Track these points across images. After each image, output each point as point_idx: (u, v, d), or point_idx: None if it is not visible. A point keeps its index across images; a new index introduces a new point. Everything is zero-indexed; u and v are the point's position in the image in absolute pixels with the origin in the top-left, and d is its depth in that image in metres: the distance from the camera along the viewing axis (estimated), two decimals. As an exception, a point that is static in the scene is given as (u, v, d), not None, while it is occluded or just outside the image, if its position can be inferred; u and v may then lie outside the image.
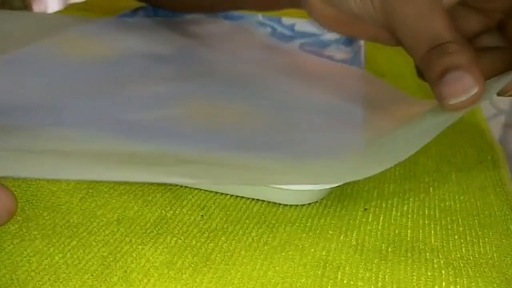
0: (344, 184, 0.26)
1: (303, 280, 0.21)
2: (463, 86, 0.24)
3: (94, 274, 0.21)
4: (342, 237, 0.24)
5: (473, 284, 0.22)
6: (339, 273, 0.22)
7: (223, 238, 0.23)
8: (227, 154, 0.27)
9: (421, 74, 0.31)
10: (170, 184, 0.27)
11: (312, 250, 0.23)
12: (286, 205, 0.26)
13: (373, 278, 0.22)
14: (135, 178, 0.25)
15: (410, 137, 0.27)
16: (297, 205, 0.26)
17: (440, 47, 0.26)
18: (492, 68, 0.28)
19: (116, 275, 0.21)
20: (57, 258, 0.21)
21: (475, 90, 0.24)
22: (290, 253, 0.23)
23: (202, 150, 0.27)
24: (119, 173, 0.24)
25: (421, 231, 0.25)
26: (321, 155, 0.27)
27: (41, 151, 0.25)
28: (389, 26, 0.28)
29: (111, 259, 0.21)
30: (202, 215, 0.25)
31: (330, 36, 0.53)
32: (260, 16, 0.55)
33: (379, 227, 0.25)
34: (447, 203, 0.27)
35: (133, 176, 0.24)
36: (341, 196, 0.27)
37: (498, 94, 0.27)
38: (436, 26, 0.26)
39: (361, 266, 0.22)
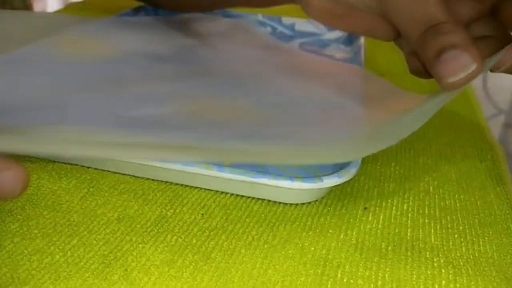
0: (344, 183, 0.26)
1: (303, 278, 0.21)
2: (461, 64, 0.24)
3: (94, 272, 0.21)
4: (342, 236, 0.24)
5: (472, 283, 0.22)
6: (339, 272, 0.22)
7: (223, 237, 0.23)
8: (229, 142, 0.27)
9: (414, 70, 0.31)
10: (171, 183, 0.27)
11: (312, 248, 0.23)
12: (286, 204, 0.26)
13: (373, 276, 0.22)
14: (138, 154, 0.25)
15: (411, 119, 0.27)
16: (297, 204, 0.26)
17: (435, 27, 0.26)
18: (486, 57, 0.28)
19: (116, 274, 0.21)
20: (57, 256, 0.21)
21: (473, 67, 0.24)
22: (290, 251, 0.23)
23: (203, 139, 0.27)
24: (122, 151, 0.24)
25: (421, 230, 0.25)
26: (322, 143, 0.27)
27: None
28: (384, 12, 0.28)
29: (112, 257, 0.21)
30: (202, 214, 0.25)
31: (330, 35, 0.53)
32: (260, 16, 0.55)
33: (379, 226, 0.25)
34: (447, 202, 0.27)
35: (136, 153, 0.24)
36: (341, 195, 0.27)
37: (491, 71, 0.27)
38: (429, 7, 0.26)
39: (361, 265, 0.22)
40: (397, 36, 0.31)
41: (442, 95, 0.26)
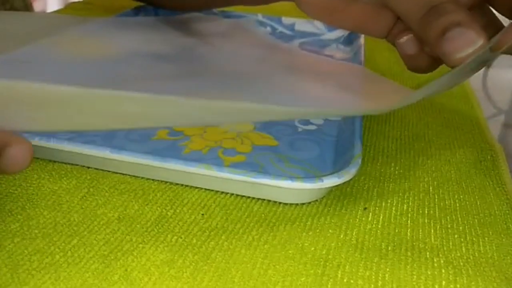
0: (343, 184, 0.26)
1: (303, 278, 0.21)
2: (468, 40, 0.25)
3: (95, 272, 0.21)
4: (342, 236, 0.24)
5: (473, 283, 0.22)
6: (339, 272, 0.22)
7: (223, 237, 0.23)
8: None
9: (411, 67, 0.32)
10: (171, 183, 0.27)
11: (312, 249, 0.23)
12: (286, 204, 0.26)
13: (373, 277, 0.22)
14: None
15: (419, 94, 0.27)
16: (297, 204, 0.26)
17: (436, 8, 0.26)
18: None
19: (116, 274, 0.21)
20: (57, 256, 0.21)
21: (480, 42, 0.24)
22: (290, 252, 0.23)
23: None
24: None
25: (420, 230, 0.25)
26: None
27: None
28: None
29: (112, 257, 0.21)
30: (202, 214, 0.25)
31: (330, 35, 0.53)
32: (260, 16, 0.55)
33: (379, 226, 0.25)
34: (446, 202, 0.27)
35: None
36: (341, 195, 0.27)
37: (493, 50, 0.27)
38: None
39: (361, 265, 0.22)
40: (391, 31, 0.31)
41: (453, 72, 0.26)
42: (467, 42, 0.25)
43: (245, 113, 0.26)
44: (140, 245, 0.22)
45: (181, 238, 0.23)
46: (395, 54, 0.35)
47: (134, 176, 0.27)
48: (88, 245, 0.22)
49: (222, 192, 0.27)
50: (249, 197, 0.26)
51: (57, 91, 0.24)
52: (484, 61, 0.30)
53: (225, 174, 0.25)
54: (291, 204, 0.26)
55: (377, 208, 0.26)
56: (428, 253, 0.23)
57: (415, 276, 0.22)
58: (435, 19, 0.26)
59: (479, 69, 0.31)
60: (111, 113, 0.26)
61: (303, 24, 0.55)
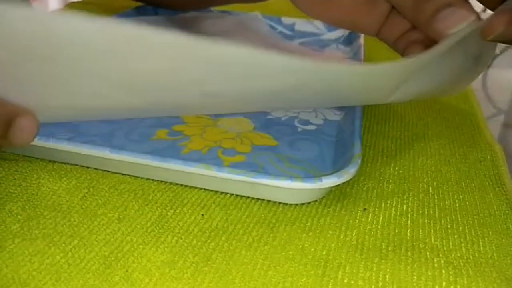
0: (343, 184, 0.26)
1: (304, 279, 0.21)
2: (459, 17, 0.25)
3: (95, 273, 0.21)
4: (342, 237, 0.24)
5: (473, 283, 0.22)
6: (340, 273, 0.22)
7: (223, 238, 0.23)
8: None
9: None
10: (171, 183, 0.27)
11: (313, 249, 0.23)
12: (286, 204, 0.26)
13: (374, 277, 0.22)
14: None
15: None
16: (297, 204, 0.26)
17: None
18: None
19: (117, 275, 0.21)
20: (58, 257, 0.21)
21: (473, 17, 0.25)
22: (290, 252, 0.23)
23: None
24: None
25: (420, 231, 0.25)
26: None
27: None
28: None
29: (112, 258, 0.21)
30: (202, 214, 0.25)
31: (330, 35, 0.53)
32: (260, 16, 0.55)
33: (379, 227, 0.25)
34: (446, 203, 0.27)
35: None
36: (341, 196, 0.27)
37: (483, 38, 0.27)
38: None
39: (361, 266, 0.22)
40: (382, 26, 0.31)
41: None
42: (459, 19, 0.25)
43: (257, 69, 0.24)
44: (141, 246, 0.22)
45: (181, 239, 0.23)
46: (395, 54, 0.35)
47: (134, 176, 0.27)
48: (88, 245, 0.22)
49: (222, 192, 0.27)
50: (249, 197, 0.26)
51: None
52: (478, 55, 0.29)
53: (225, 174, 0.25)
54: (290, 204, 0.26)
55: (376, 209, 0.26)
56: (428, 253, 0.23)
57: (415, 277, 0.22)
58: (427, 1, 0.27)
59: (478, 69, 0.31)
60: (123, 83, 0.25)
61: (303, 24, 0.55)
